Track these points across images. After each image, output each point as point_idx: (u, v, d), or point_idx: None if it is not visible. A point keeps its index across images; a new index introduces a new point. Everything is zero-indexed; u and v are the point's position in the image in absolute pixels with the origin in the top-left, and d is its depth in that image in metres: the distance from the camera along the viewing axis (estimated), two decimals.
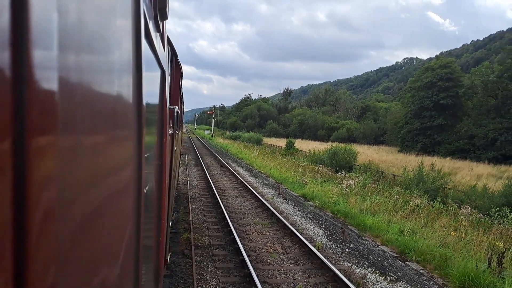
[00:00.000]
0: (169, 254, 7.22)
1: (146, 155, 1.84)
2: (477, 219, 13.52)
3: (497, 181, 29.64)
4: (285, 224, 12.08)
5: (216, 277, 8.14)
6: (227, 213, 13.04)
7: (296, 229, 11.61)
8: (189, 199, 15.54)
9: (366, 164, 34.92)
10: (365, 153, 45.70)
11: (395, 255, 10.28)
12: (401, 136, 64.15)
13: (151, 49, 2.08)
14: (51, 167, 0.62)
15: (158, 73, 2.76)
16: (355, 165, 33.71)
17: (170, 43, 5.81)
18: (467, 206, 14.05)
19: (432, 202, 15.62)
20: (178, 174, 18.26)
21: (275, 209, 14.21)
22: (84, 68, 0.79)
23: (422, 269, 9.31)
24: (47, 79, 0.59)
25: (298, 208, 15.33)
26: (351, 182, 20.02)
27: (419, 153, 53.07)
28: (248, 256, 9.16)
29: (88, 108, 0.83)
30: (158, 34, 2.47)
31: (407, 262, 9.74)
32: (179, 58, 8.54)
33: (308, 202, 16.81)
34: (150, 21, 1.95)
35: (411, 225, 12.19)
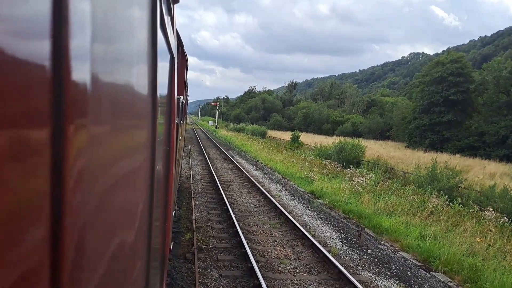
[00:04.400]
0: (172, 244, 6.51)
1: (159, 144, 1.96)
2: (501, 223, 12.52)
3: (511, 180, 28.60)
4: (295, 225, 11.14)
5: (221, 287, 7.21)
6: (232, 211, 12.12)
7: (307, 231, 10.68)
8: (192, 194, 14.62)
9: (374, 159, 33.94)
10: (372, 148, 44.60)
11: (418, 263, 9.32)
12: (408, 131, 62.90)
13: (162, 33, 2.00)
14: (85, 148, 0.67)
15: (167, 59, 2.71)
16: (363, 160, 32.67)
17: (176, 32, 5.65)
18: (491, 209, 13.03)
19: (451, 204, 14.63)
20: (181, 165, 17.37)
21: (283, 207, 13.28)
22: (109, 58, 0.82)
23: (451, 281, 8.34)
24: (82, 69, 0.62)
25: (308, 207, 14.39)
26: (362, 179, 19.03)
27: (427, 150, 51.96)
28: (257, 262, 8.24)
29: (112, 96, 0.87)
30: (169, 17, 2.42)
31: (433, 273, 8.77)
32: (184, 48, 8.19)
33: (318, 200, 15.85)
34: (164, 4, 1.92)
35: (432, 229, 11.21)
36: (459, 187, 21.62)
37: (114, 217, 0.98)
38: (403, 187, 18.65)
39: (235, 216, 11.49)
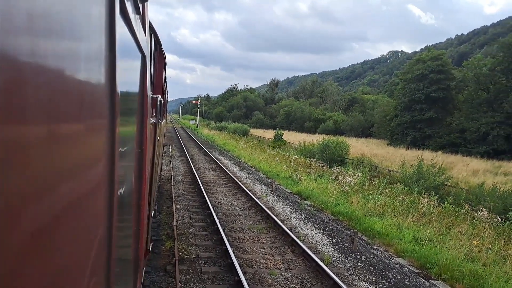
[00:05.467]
0: (151, 244, 6.00)
1: (122, 149, 1.75)
2: (494, 223, 12.11)
3: (494, 177, 28.65)
4: (283, 229, 10.48)
5: None
6: (216, 215, 11.38)
7: (296, 236, 10.03)
8: (173, 197, 13.80)
9: (358, 158, 33.59)
10: (355, 146, 44.28)
11: (416, 270, 8.76)
12: (390, 129, 63.03)
13: (129, 31, 1.97)
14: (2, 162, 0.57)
15: (137, 58, 2.63)
16: (347, 158, 32.27)
17: (153, 31, 5.58)
18: (484, 209, 12.63)
19: (441, 203, 14.20)
20: (161, 164, 16.52)
21: (269, 210, 12.60)
22: (45, 52, 0.74)
23: None
24: None
25: (295, 209, 13.75)
26: (349, 178, 18.51)
27: (409, 147, 52.11)
28: (244, 273, 7.55)
29: (47, 96, 0.77)
30: (138, 16, 2.38)
31: (432, 281, 8.22)
32: (162, 47, 7.74)
33: (305, 201, 15.23)
34: (128, 3, 1.84)
35: (427, 232, 10.70)
36: (446, 185, 21.35)
37: (56, 251, 0.84)
38: (390, 185, 18.23)
39: (219, 221, 10.76)
